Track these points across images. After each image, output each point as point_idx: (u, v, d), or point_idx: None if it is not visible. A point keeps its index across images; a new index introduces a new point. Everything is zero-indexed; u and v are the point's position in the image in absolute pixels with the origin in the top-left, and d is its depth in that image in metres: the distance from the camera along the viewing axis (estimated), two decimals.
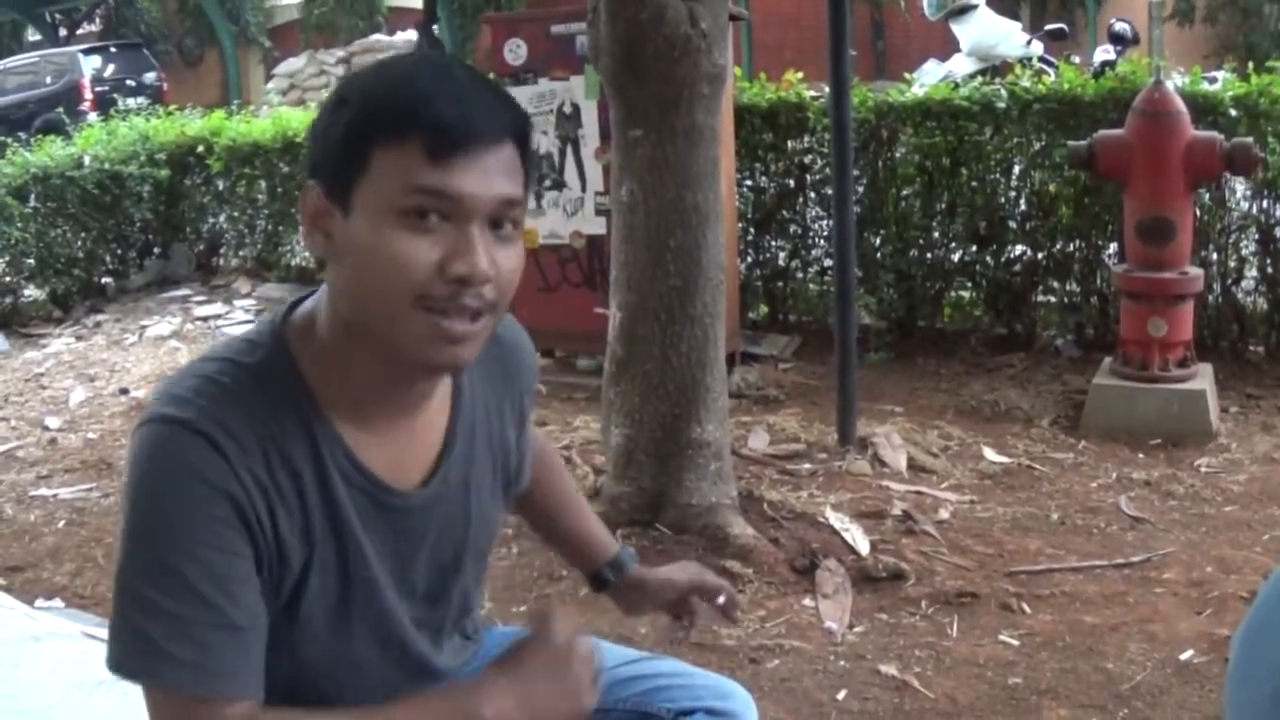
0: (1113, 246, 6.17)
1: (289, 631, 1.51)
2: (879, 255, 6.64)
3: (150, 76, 23.27)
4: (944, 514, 4.45)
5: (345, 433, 1.50)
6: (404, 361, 1.44)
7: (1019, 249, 6.44)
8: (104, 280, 9.69)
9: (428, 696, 1.48)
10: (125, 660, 1.38)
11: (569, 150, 6.26)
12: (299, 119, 9.22)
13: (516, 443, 1.74)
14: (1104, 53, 12.30)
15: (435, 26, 19.51)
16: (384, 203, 1.38)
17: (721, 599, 1.99)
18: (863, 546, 4.11)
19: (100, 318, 8.94)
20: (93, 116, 13.50)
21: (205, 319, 8.60)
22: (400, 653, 1.63)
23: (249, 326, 1.59)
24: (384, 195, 1.38)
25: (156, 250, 10.05)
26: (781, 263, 6.99)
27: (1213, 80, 6.44)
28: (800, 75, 6.93)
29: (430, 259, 1.38)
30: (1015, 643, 3.57)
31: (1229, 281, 6.08)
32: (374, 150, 1.38)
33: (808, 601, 3.84)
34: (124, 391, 6.86)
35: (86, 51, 23.47)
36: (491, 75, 6.62)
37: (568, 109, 6.22)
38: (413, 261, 1.37)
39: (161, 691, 1.38)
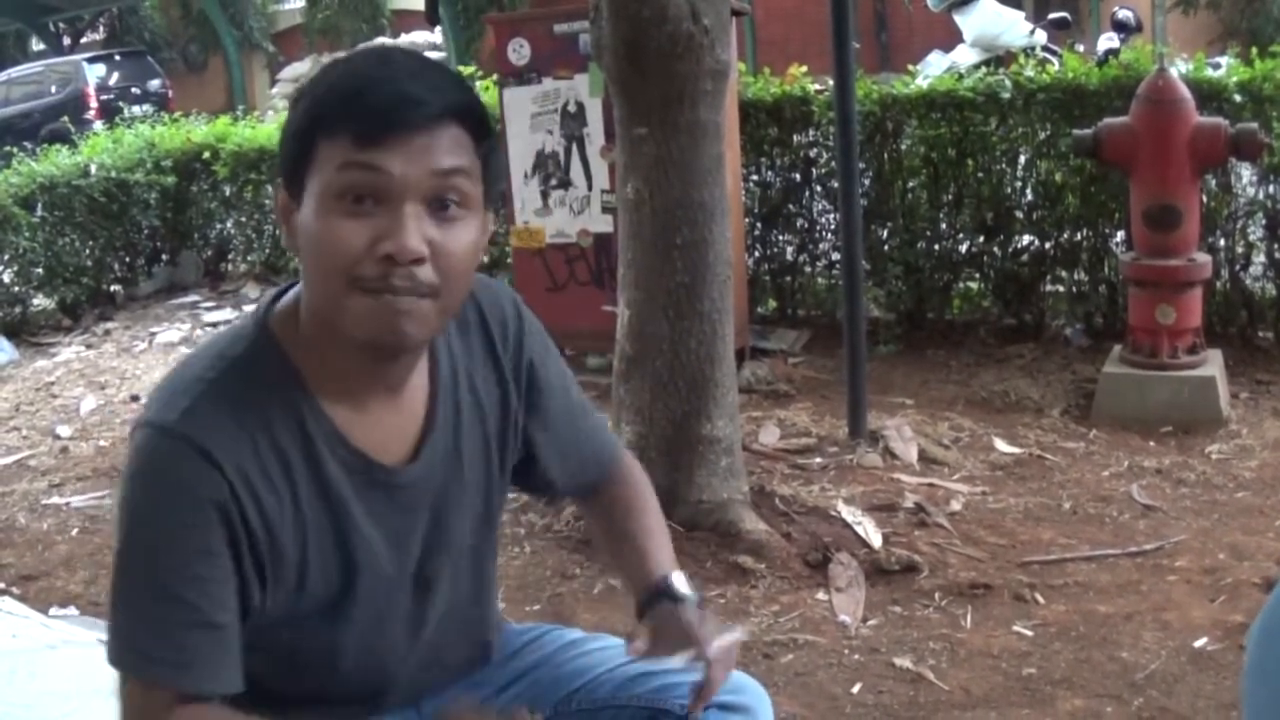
0: (1120, 234, 6.16)
1: (300, 619, 1.58)
2: (886, 248, 6.63)
3: (155, 84, 23.28)
4: (956, 505, 4.45)
5: (334, 413, 1.55)
6: (354, 343, 1.49)
7: (1026, 239, 6.43)
8: (113, 288, 9.71)
9: None
10: (116, 657, 1.50)
11: (574, 149, 6.26)
12: None
13: (522, 409, 1.76)
14: (1108, 41, 12.28)
15: (438, 28, 19.53)
16: (322, 188, 1.44)
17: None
18: (875, 539, 4.11)
19: (109, 325, 8.95)
20: (98, 125, 13.54)
21: (214, 325, 8.60)
22: (405, 628, 1.68)
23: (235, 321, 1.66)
24: (322, 181, 1.44)
25: (164, 257, 10.07)
26: (789, 257, 6.99)
27: (1217, 66, 6.42)
28: (804, 69, 6.92)
29: (361, 239, 1.43)
30: (1029, 633, 3.57)
31: (1237, 267, 6.06)
32: (317, 142, 1.45)
33: (821, 595, 3.84)
34: (135, 399, 6.87)
35: (91, 60, 23.46)
36: (496, 75, 6.63)
37: (572, 108, 6.22)
38: (345, 241, 1.43)
39: (142, 685, 1.49)
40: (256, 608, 1.52)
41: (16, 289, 9.03)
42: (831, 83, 5.12)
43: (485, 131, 1.51)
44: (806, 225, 6.93)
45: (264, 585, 1.52)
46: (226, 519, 1.46)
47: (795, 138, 6.78)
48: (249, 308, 8.85)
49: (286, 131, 1.49)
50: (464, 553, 1.72)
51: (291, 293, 1.58)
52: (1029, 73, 6.33)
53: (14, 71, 24.52)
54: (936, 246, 6.57)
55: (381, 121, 1.42)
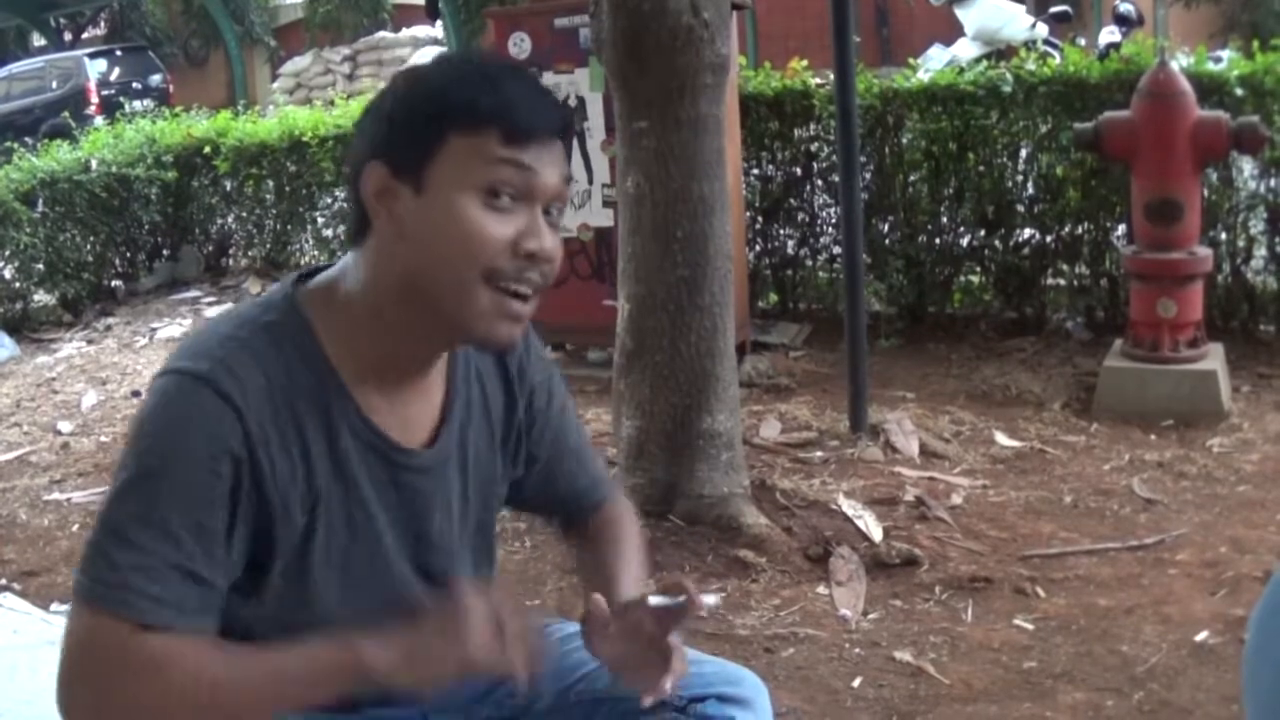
0: (1121, 228, 6.16)
1: (301, 586, 1.56)
2: (887, 241, 6.63)
3: (156, 79, 23.25)
4: (957, 499, 4.44)
5: (357, 393, 1.56)
6: (462, 335, 1.54)
7: (1027, 232, 6.43)
8: (113, 283, 9.71)
9: (319, 642, 1.46)
10: (94, 587, 1.40)
11: (575, 143, 6.25)
12: (305, 118, 9.21)
13: (525, 425, 1.80)
14: (1109, 34, 12.28)
15: (439, 21, 19.51)
16: (462, 180, 1.47)
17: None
18: (876, 533, 4.11)
19: (110, 321, 8.94)
20: (99, 120, 13.53)
21: None
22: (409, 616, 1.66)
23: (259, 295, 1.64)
24: (462, 173, 1.47)
25: (165, 252, 10.06)
26: (790, 251, 6.99)
27: (1218, 60, 6.41)
28: (805, 63, 6.92)
29: (505, 235, 1.48)
30: (1030, 627, 3.57)
31: (1238, 261, 6.05)
32: (450, 135, 1.47)
33: (821, 589, 3.84)
34: (136, 394, 6.87)
35: (92, 55, 23.41)
36: None
37: (573, 102, 6.21)
38: (489, 236, 1.47)
39: (107, 618, 1.40)
40: (259, 571, 1.51)
41: (17, 285, 9.02)
42: (832, 76, 5.12)
43: (571, 147, 1.60)
44: (807, 219, 6.92)
45: (271, 550, 1.51)
46: (237, 472, 1.44)
47: (796, 132, 6.77)
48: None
49: (400, 119, 1.50)
50: (465, 548, 1.73)
51: (324, 275, 1.60)
52: (1030, 66, 6.32)
53: (15, 67, 24.48)
54: (937, 240, 6.57)
55: (525, 129, 1.48)
